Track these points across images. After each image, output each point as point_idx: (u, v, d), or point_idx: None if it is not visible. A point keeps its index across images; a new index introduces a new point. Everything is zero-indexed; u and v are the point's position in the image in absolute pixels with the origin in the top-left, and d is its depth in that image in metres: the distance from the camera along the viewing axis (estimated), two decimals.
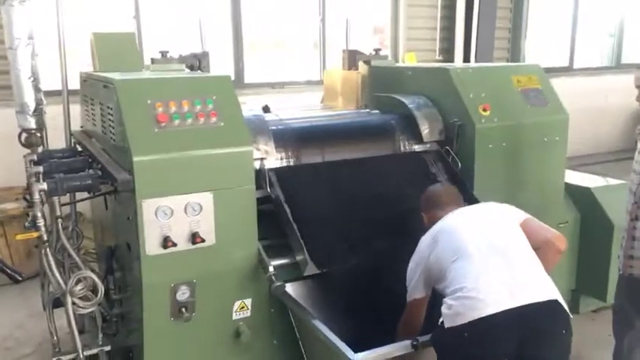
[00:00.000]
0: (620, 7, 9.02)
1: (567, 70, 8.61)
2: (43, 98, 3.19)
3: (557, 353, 2.10)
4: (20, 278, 2.59)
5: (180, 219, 2.26)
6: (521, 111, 3.06)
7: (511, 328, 2.00)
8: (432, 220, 2.46)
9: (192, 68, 3.31)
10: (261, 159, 2.70)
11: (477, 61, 7.36)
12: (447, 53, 7.62)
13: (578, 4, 8.66)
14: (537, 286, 2.10)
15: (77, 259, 2.59)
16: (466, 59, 7.42)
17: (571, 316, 2.12)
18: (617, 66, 9.09)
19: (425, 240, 2.35)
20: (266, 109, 3.42)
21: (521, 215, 2.38)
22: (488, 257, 2.13)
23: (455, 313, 2.04)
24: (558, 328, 2.08)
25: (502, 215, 2.37)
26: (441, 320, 2.09)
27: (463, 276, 2.09)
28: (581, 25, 8.74)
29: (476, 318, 1.99)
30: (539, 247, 2.25)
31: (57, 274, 2.51)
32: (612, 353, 2.79)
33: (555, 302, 2.08)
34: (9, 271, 2.57)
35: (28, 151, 3.14)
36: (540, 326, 2.04)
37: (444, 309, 2.09)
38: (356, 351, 2.02)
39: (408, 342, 2.16)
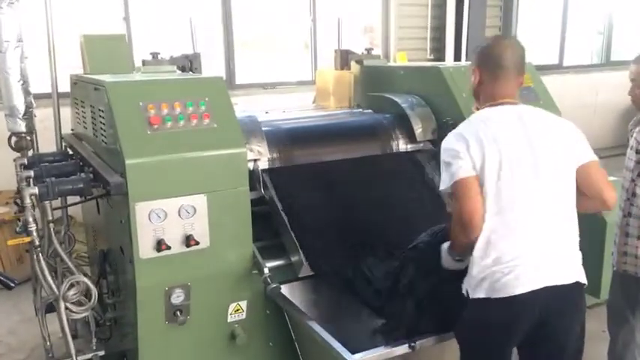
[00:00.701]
0: (609, 4, 9.08)
1: (557, 68, 8.67)
2: (32, 101, 3.16)
3: (573, 333, 2.11)
4: (13, 285, 2.56)
5: (174, 222, 2.24)
6: None
7: (534, 308, 2.00)
8: (481, 90, 2.17)
9: (183, 69, 3.30)
10: (255, 160, 2.69)
11: (468, 59, 7.39)
12: (438, 52, 7.65)
13: (568, 2, 8.71)
14: (566, 266, 2.06)
15: (70, 263, 2.57)
16: (457, 58, 7.45)
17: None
18: (607, 63, 9.16)
19: (461, 130, 2.09)
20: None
21: (584, 157, 2.08)
22: (530, 223, 2.00)
23: (485, 284, 2.01)
24: (578, 311, 2.10)
25: (562, 157, 2.05)
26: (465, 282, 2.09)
27: (499, 242, 1.99)
28: (571, 23, 8.80)
29: (504, 296, 1.98)
30: (589, 196, 2.09)
31: (49, 279, 2.48)
32: (607, 349, 2.81)
33: (578, 285, 2.05)
34: (2, 278, 2.53)
35: (18, 154, 3.11)
36: (562, 309, 2.04)
37: (474, 272, 2.04)
38: (353, 352, 2.02)
39: (405, 344, 2.16)
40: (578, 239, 2.11)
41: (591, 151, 2.09)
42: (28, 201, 2.35)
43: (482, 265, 2.02)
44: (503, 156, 1.99)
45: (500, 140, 2.01)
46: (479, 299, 2.03)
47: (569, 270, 2.06)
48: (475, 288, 2.04)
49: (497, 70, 2.12)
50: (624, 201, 2.60)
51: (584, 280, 2.09)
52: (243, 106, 3.12)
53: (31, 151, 3.23)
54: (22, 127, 3.08)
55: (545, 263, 2.01)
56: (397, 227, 2.67)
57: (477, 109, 2.22)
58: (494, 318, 2.03)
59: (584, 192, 2.08)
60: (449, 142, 2.09)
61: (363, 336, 2.44)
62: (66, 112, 3.52)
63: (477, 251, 2.03)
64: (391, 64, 4.74)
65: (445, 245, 2.20)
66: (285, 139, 2.89)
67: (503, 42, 2.21)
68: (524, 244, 2.00)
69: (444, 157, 2.08)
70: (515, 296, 1.97)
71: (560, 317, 2.05)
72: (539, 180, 2.00)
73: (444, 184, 2.08)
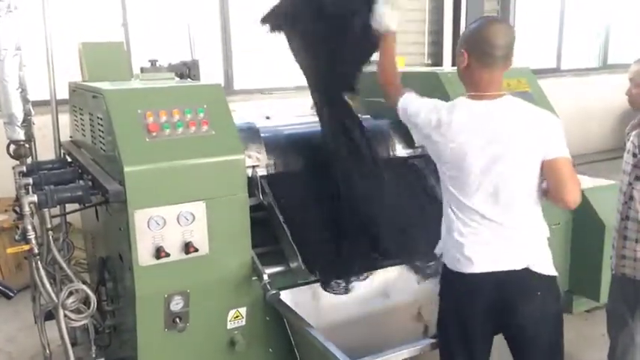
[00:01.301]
0: (606, 8, 9.12)
1: (555, 72, 8.69)
2: (31, 109, 3.17)
3: (540, 321, 2.14)
4: (12, 295, 2.55)
5: (173, 229, 2.24)
6: None
7: (487, 289, 2.11)
8: (467, 74, 2.16)
9: (181, 76, 3.30)
10: (253, 166, 2.69)
11: None
12: (436, 57, 7.66)
13: (565, 6, 8.75)
14: (519, 252, 2.12)
15: (69, 271, 2.57)
16: (454, 63, 7.46)
17: (553, 275, 2.15)
18: (604, 66, 9.18)
19: (440, 108, 2.17)
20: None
21: (552, 152, 2.06)
22: (487, 208, 2.09)
23: (446, 255, 2.20)
24: (533, 297, 2.12)
25: (527, 150, 2.06)
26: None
27: (455, 225, 2.13)
28: (568, 27, 8.83)
29: (459, 271, 2.13)
30: (551, 192, 2.11)
31: (48, 287, 2.48)
32: (607, 353, 2.80)
33: (528, 271, 2.10)
34: (1, 288, 2.53)
35: (17, 162, 3.11)
36: (517, 294, 2.11)
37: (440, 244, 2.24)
38: (353, 358, 2.02)
39: (405, 350, 2.16)
40: (540, 229, 2.17)
41: (562, 148, 2.08)
42: (27, 209, 2.35)
43: (443, 241, 2.22)
44: (461, 149, 2.07)
45: (463, 133, 2.08)
46: (445, 267, 2.22)
47: (522, 257, 2.10)
48: (443, 257, 2.23)
49: (487, 59, 2.09)
50: (622, 204, 2.61)
51: (539, 267, 2.11)
52: (242, 112, 3.11)
53: (30, 158, 3.23)
54: (20, 134, 3.09)
55: (492, 249, 2.10)
56: (396, 231, 2.66)
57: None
58: (454, 288, 2.19)
59: (549, 191, 2.12)
60: (428, 103, 2.27)
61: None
62: (64, 119, 3.52)
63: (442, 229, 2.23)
64: None
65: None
66: (283, 145, 2.89)
67: (495, 26, 2.10)
68: (476, 229, 2.10)
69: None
70: (468, 274, 2.10)
71: (517, 302, 2.11)
72: (493, 173, 2.06)
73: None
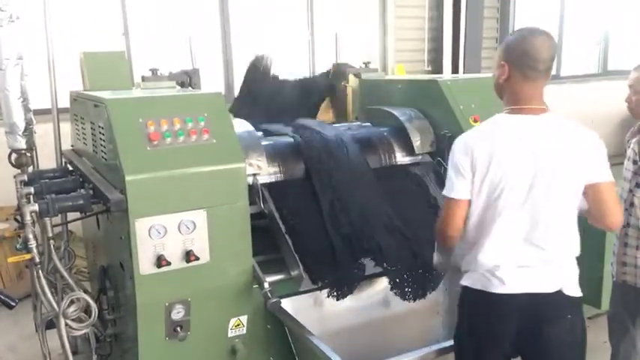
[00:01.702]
0: (606, 14, 9.15)
1: (555, 78, 8.70)
2: (32, 118, 3.18)
3: (563, 338, 2.10)
4: (14, 304, 2.55)
5: (174, 237, 2.25)
6: None
7: (516, 312, 2.04)
8: (507, 87, 2.06)
9: (182, 85, 3.32)
10: (254, 174, 2.69)
11: (465, 70, 7.42)
12: (436, 64, 7.68)
13: (564, 13, 8.77)
14: (552, 275, 2.06)
15: (70, 280, 2.57)
16: (454, 69, 7.48)
17: (580, 297, 2.11)
18: (604, 73, 9.20)
19: (473, 140, 2.04)
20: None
21: (595, 177, 2.02)
22: (524, 229, 2.01)
23: (472, 275, 2.11)
24: (561, 317, 2.08)
25: (569, 173, 2.00)
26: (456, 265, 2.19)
27: (485, 246, 2.05)
28: (568, 34, 8.86)
29: (490, 292, 2.05)
30: (594, 216, 2.10)
31: (49, 296, 2.49)
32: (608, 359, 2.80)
33: (561, 294, 2.05)
34: (3, 298, 2.53)
35: (18, 171, 3.12)
36: (544, 317, 2.05)
37: (465, 259, 2.13)
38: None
39: (404, 357, 2.15)
40: (574, 249, 2.11)
41: (606, 172, 2.04)
42: (28, 218, 2.36)
43: (467, 261, 2.12)
44: (503, 174, 1.98)
45: (504, 157, 1.98)
46: (464, 286, 2.14)
47: (556, 279, 2.06)
48: (464, 277, 2.15)
49: (530, 72, 2.01)
50: (623, 211, 2.61)
51: (570, 290, 2.07)
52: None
53: (31, 167, 3.24)
54: (22, 143, 3.09)
55: (528, 271, 2.04)
56: (397, 239, 2.66)
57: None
58: (478, 307, 2.12)
59: (590, 210, 2.09)
60: (457, 150, 2.07)
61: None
62: (66, 128, 3.53)
63: (465, 245, 2.14)
64: (389, 76, 4.77)
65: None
66: (284, 153, 2.90)
67: (538, 39, 2.01)
68: (511, 250, 2.04)
69: (450, 163, 2.11)
70: (496, 294, 2.04)
71: (546, 326, 2.06)
72: (532, 197, 1.99)
73: (444, 190, 2.14)
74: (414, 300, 2.64)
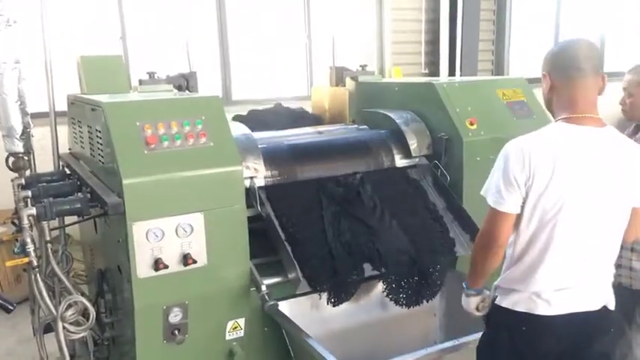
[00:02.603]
0: (602, 16, 9.18)
1: None
2: (30, 122, 3.18)
3: (604, 351, 2.07)
4: (12, 308, 2.56)
5: (172, 241, 2.25)
6: (507, 123, 3.10)
7: (562, 332, 1.97)
8: (554, 95, 1.98)
9: (180, 88, 3.32)
10: (251, 177, 2.70)
11: (462, 73, 7.44)
12: (433, 66, 7.70)
13: (560, 16, 8.81)
14: (596, 292, 2.00)
15: (68, 283, 2.57)
16: (451, 72, 7.51)
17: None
18: None
19: (531, 148, 1.87)
20: None
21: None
22: (581, 250, 1.93)
23: (514, 297, 1.99)
24: (607, 332, 2.06)
25: (622, 195, 1.93)
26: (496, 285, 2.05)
27: (547, 259, 1.92)
28: (564, 36, 8.88)
29: (536, 313, 1.95)
30: (626, 237, 2.03)
31: (47, 300, 2.49)
32: None
33: (604, 309, 2.01)
34: (1, 301, 2.54)
35: (16, 174, 3.12)
36: (588, 334, 2.00)
37: (508, 276, 2.00)
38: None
39: (402, 358, 2.16)
40: (613, 265, 2.06)
41: None
42: (26, 221, 2.36)
43: (510, 278, 2.01)
44: (564, 191, 1.87)
45: (567, 172, 1.86)
46: (502, 307, 2.02)
47: (600, 296, 2.01)
48: (502, 297, 2.04)
49: (573, 72, 1.92)
50: None
51: (611, 304, 2.03)
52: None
53: (29, 171, 3.24)
54: (19, 147, 3.09)
55: (573, 290, 1.96)
56: (394, 243, 2.67)
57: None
58: (516, 328, 2.00)
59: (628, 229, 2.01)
60: (513, 159, 1.90)
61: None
62: (63, 131, 3.54)
63: (508, 261, 2.02)
64: (386, 79, 4.78)
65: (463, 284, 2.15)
66: (281, 155, 2.91)
67: (576, 42, 1.98)
68: (559, 270, 1.95)
69: (499, 171, 1.94)
70: (541, 316, 1.95)
71: (591, 342, 2.00)
72: (590, 217, 1.91)
73: (484, 192, 1.99)
74: (408, 307, 2.65)
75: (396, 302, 2.63)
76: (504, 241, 1.96)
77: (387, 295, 2.62)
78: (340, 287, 2.52)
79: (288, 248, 2.54)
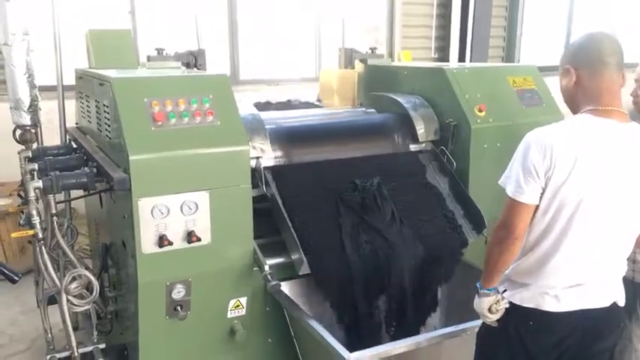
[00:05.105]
0: (616, 5, 9.06)
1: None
2: (38, 94, 3.18)
3: (611, 345, 2.07)
4: (17, 279, 2.58)
5: (177, 218, 2.26)
6: (517, 111, 3.07)
7: (571, 328, 1.96)
8: (579, 91, 1.95)
9: (188, 65, 3.31)
10: (257, 158, 2.70)
11: (472, 59, 7.38)
12: (442, 51, 7.64)
13: (574, 2, 8.69)
14: (607, 288, 1.99)
15: (72, 257, 2.59)
16: (461, 58, 7.44)
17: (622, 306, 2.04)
18: None
19: (554, 139, 1.83)
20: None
21: None
22: (596, 246, 1.91)
23: (524, 291, 1.97)
24: (616, 327, 2.05)
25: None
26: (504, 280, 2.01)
27: (560, 252, 1.90)
28: (577, 23, 8.78)
29: (544, 310, 1.93)
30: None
31: (52, 272, 2.51)
32: None
33: (614, 305, 2.00)
34: (6, 272, 2.56)
35: (23, 147, 3.13)
36: (598, 330, 1.99)
37: (519, 267, 1.97)
38: (351, 350, 2.03)
39: (403, 342, 2.17)
40: (625, 262, 2.03)
41: None
42: (32, 194, 2.37)
43: (522, 269, 1.98)
44: (585, 183, 1.84)
45: (589, 164, 1.83)
46: (520, 307, 1.99)
47: (611, 292, 2.00)
48: (511, 292, 2.01)
49: (598, 64, 1.89)
50: None
51: (621, 301, 2.03)
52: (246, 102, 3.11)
53: (36, 144, 3.25)
54: (27, 120, 3.10)
55: (584, 287, 1.94)
56: (397, 226, 2.67)
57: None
58: (525, 324, 1.98)
59: None
60: (534, 148, 1.86)
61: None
62: (71, 105, 3.54)
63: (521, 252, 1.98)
64: (395, 63, 4.74)
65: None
66: (287, 137, 2.90)
67: (598, 35, 1.97)
68: (576, 270, 1.93)
69: (519, 160, 1.90)
70: (551, 312, 1.94)
71: (599, 338, 2.00)
72: (608, 210, 1.88)
73: (502, 182, 1.96)
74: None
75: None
76: (521, 233, 1.91)
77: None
78: (343, 269, 2.51)
79: (292, 229, 2.54)
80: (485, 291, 2.01)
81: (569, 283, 1.93)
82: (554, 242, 1.91)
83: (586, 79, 1.93)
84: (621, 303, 2.03)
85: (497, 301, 2.00)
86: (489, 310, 2.01)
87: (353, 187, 2.74)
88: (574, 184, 1.83)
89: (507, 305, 2.00)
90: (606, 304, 1.98)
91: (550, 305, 1.94)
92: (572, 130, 1.88)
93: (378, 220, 2.63)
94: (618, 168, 1.86)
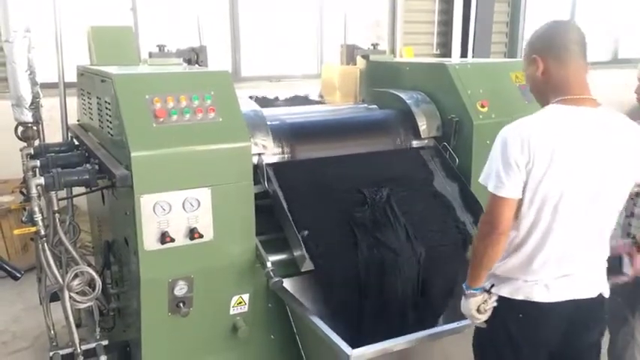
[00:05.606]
0: (618, 1, 9.02)
1: None
2: (39, 91, 3.18)
3: (597, 338, 2.09)
4: (19, 275, 2.58)
5: (179, 214, 2.26)
6: (519, 107, 3.05)
7: (559, 319, 1.97)
8: (548, 81, 1.94)
9: (189, 62, 3.31)
10: (259, 154, 2.70)
11: (474, 55, 7.36)
12: (445, 47, 7.62)
13: None
14: (593, 279, 2.00)
15: (74, 253, 2.59)
16: (463, 54, 7.42)
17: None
18: (614, 61, 9.10)
19: (530, 131, 1.83)
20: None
21: None
22: (582, 236, 1.92)
23: (511, 284, 1.97)
24: (602, 319, 2.07)
25: (623, 176, 1.92)
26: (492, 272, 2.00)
27: (547, 245, 1.90)
28: (579, 20, 8.75)
29: (532, 300, 1.94)
30: None
31: (54, 269, 2.51)
32: (607, 348, 2.82)
33: (600, 296, 2.01)
34: (8, 269, 2.56)
35: (25, 144, 3.13)
36: (586, 321, 2.01)
37: (506, 262, 1.97)
38: (353, 347, 2.03)
39: (404, 338, 2.17)
40: (607, 252, 2.04)
41: None
42: (34, 191, 2.37)
43: (509, 265, 1.98)
44: (565, 173, 1.84)
45: (567, 154, 1.83)
46: (501, 297, 2.00)
47: (596, 283, 2.01)
48: (499, 286, 2.01)
49: (564, 54, 1.91)
50: (628, 201, 2.60)
51: (606, 292, 2.04)
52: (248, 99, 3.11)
53: (38, 141, 3.25)
54: (28, 117, 3.11)
55: (572, 277, 1.95)
56: (411, 245, 2.64)
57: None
58: (515, 315, 1.99)
59: None
60: (511, 142, 1.85)
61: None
62: (72, 102, 3.54)
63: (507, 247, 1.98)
64: (397, 59, 4.73)
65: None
66: (289, 133, 2.90)
67: (561, 22, 1.99)
68: (563, 260, 1.93)
69: (497, 155, 1.89)
70: (539, 302, 1.94)
71: (586, 330, 2.01)
72: (591, 198, 1.88)
73: (483, 180, 1.94)
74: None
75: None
76: (505, 229, 1.90)
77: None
78: (345, 266, 2.51)
79: (294, 226, 2.54)
80: (472, 291, 2.00)
81: (557, 274, 1.94)
82: (542, 236, 1.92)
83: (553, 67, 1.93)
84: (606, 294, 2.04)
85: (485, 300, 1.99)
86: (477, 310, 2.00)
87: (362, 201, 2.71)
88: (555, 176, 1.83)
89: (495, 304, 2.00)
90: (594, 294, 1.99)
91: (540, 295, 1.94)
92: (548, 122, 1.88)
93: (392, 238, 2.59)
94: (597, 155, 1.86)
